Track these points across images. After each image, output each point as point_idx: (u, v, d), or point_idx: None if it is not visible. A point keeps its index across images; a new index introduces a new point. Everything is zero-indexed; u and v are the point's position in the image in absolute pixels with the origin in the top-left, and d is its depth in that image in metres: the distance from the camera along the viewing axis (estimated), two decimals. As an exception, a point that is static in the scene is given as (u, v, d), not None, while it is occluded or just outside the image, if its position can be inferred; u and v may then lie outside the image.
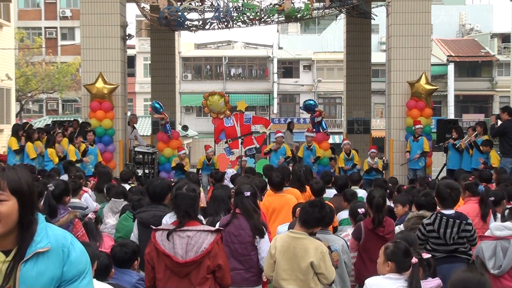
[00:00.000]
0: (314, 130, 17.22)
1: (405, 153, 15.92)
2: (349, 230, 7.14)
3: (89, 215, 6.29)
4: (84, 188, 9.22)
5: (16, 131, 14.00)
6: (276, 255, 5.37)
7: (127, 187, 10.50)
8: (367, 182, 14.99)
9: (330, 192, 9.73)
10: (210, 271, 4.74)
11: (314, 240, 5.41)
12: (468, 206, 7.48)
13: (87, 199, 8.97)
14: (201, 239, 4.69)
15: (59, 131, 14.96)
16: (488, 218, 7.45)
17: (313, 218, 5.37)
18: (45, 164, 13.72)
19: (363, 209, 6.92)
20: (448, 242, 6.16)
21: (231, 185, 10.20)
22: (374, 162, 16.45)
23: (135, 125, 18.86)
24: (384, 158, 17.38)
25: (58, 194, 5.94)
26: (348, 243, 6.58)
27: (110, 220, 7.69)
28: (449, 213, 6.21)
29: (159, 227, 4.95)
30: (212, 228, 4.80)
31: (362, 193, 9.22)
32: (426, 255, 4.72)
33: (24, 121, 34.85)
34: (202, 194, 9.31)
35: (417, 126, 15.59)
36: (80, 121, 16.70)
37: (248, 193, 5.60)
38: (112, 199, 8.35)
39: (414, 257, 4.59)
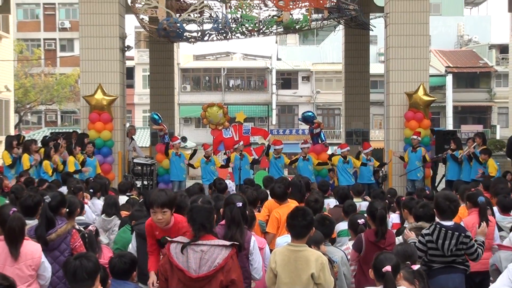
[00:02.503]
0: (310, 141, 17.17)
1: (404, 164, 15.92)
2: (349, 243, 7.11)
3: (90, 227, 6.27)
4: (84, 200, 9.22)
5: (10, 142, 13.94)
6: (277, 269, 5.35)
7: (125, 198, 10.48)
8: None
9: (327, 202, 9.69)
10: (223, 286, 4.71)
11: (314, 251, 5.40)
12: (471, 217, 7.48)
13: (87, 210, 8.94)
14: (215, 253, 4.67)
15: (60, 142, 14.87)
16: (491, 228, 7.44)
17: (301, 227, 5.35)
18: (41, 176, 13.67)
19: (362, 220, 6.89)
20: (446, 254, 6.15)
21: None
22: (369, 158, 16.41)
23: (133, 136, 18.84)
24: (383, 169, 17.36)
25: (55, 205, 5.92)
26: (348, 256, 6.56)
27: (103, 238, 7.67)
28: (448, 224, 6.20)
29: (173, 239, 4.91)
30: (227, 243, 4.76)
31: (364, 205, 9.17)
32: (415, 266, 4.72)
33: (23, 132, 34.85)
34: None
35: (413, 137, 15.58)
36: (79, 133, 16.67)
37: (240, 204, 5.57)
38: (102, 217, 8.31)
39: (387, 266, 4.57)
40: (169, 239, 4.92)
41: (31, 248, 5.30)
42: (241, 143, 17.05)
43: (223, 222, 5.70)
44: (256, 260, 5.54)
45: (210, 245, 4.70)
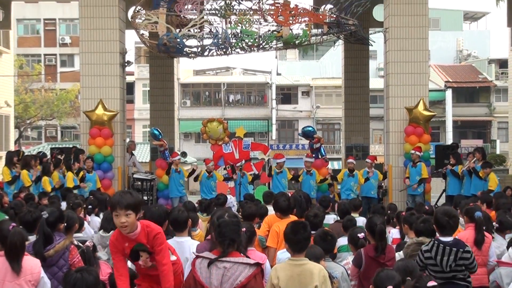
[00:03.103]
0: (313, 155, 17.19)
1: (404, 179, 15.89)
2: (349, 258, 7.08)
3: (87, 243, 6.24)
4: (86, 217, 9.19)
5: (10, 158, 13.89)
6: (279, 284, 5.30)
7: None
8: (365, 201, 14.98)
9: (328, 218, 9.66)
10: None
11: (316, 264, 5.39)
12: (467, 232, 7.45)
13: (86, 227, 8.91)
14: (238, 271, 4.61)
15: (60, 157, 14.84)
16: (486, 245, 7.40)
17: (303, 240, 5.33)
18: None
19: (362, 234, 6.86)
20: (444, 270, 6.12)
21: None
22: (371, 170, 16.38)
23: (133, 151, 18.84)
24: (383, 184, 17.34)
25: (53, 221, 5.90)
26: (348, 272, 6.53)
27: (101, 255, 7.63)
28: (447, 240, 6.18)
29: (200, 254, 4.88)
30: (251, 261, 4.70)
31: (361, 221, 9.16)
32: (431, 283, 4.67)
33: (23, 148, 34.82)
34: (200, 221, 9.25)
35: (412, 152, 15.54)
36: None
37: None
38: (100, 233, 8.27)
39: (389, 287, 4.56)
40: (194, 254, 4.85)
41: (30, 263, 5.27)
42: (243, 161, 17.21)
43: (209, 237, 5.68)
44: None
45: (233, 262, 4.64)
